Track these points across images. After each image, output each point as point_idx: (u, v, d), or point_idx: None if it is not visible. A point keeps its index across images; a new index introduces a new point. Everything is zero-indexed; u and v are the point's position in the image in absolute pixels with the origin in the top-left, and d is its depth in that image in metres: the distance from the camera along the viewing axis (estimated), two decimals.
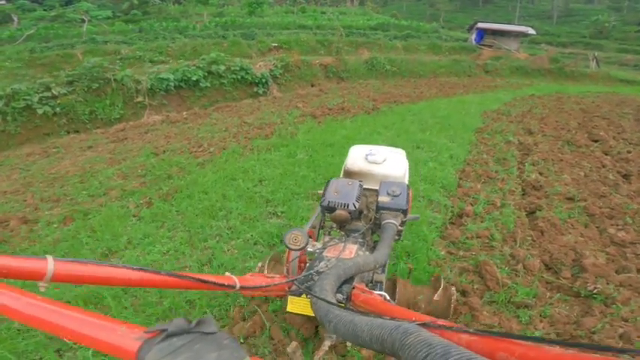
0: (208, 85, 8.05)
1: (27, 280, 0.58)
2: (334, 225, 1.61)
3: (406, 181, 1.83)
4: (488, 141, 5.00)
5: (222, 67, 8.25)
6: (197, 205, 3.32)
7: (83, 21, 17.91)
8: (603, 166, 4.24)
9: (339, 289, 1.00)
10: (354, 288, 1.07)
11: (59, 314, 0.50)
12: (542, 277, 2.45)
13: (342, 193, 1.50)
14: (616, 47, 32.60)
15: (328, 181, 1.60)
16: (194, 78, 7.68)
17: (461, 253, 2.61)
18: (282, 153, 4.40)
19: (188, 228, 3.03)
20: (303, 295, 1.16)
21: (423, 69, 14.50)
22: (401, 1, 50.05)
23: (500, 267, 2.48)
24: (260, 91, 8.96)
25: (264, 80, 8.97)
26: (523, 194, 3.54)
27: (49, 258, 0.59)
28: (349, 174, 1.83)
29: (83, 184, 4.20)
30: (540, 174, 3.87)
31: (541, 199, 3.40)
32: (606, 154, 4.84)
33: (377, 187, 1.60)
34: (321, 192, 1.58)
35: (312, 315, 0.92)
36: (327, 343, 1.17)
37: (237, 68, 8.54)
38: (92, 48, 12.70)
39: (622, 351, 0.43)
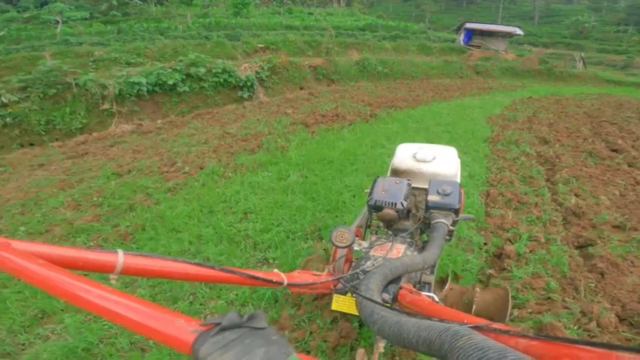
0: (187, 89, 7.23)
1: (100, 272, 0.63)
2: (381, 224, 1.55)
3: (458, 180, 1.72)
4: (505, 153, 4.43)
5: (203, 70, 7.44)
6: (164, 249, 2.58)
7: (58, 22, 16.77)
8: (637, 183, 3.74)
9: (385, 289, 0.97)
10: (401, 288, 1.03)
11: (125, 306, 0.51)
12: (619, 333, 1.89)
13: (389, 191, 1.46)
14: (596, 47, 33.35)
15: (375, 180, 1.56)
16: (170, 82, 6.85)
17: (515, 312, 1.99)
18: (271, 173, 3.69)
19: (152, 282, 2.31)
20: (349, 294, 1.14)
21: (414, 70, 14.05)
22: (387, 2, 50.03)
23: (568, 327, 1.88)
24: (245, 96, 8.20)
25: (249, 83, 8.21)
26: (565, 223, 2.97)
27: (120, 252, 0.64)
28: (397, 172, 1.76)
29: (24, 216, 3.37)
30: (577, 196, 3.31)
31: (588, 230, 2.83)
32: (631, 166, 4.37)
33: (426, 186, 1.54)
34: (368, 190, 1.54)
35: (357, 314, 0.84)
36: (381, 345, 1.08)
37: (220, 70, 7.75)
38: (63, 50, 11.70)
39: None
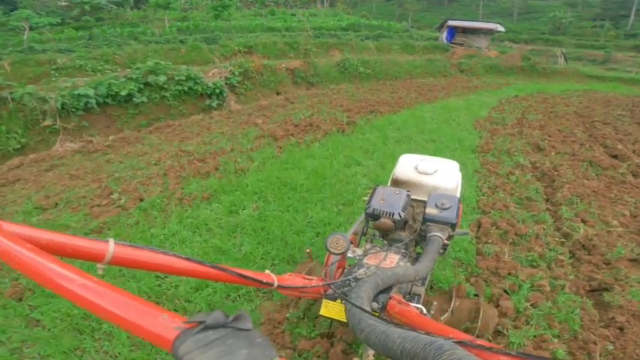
0: (145, 99, 6.51)
1: (89, 260, 0.62)
2: (377, 233, 1.57)
3: (458, 195, 1.70)
4: (496, 167, 3.90)
5: (163, 78, 6.73)
6: (59, 320, 1.94)
7: (25, 29, 15.82)
8: None
9: (375, 298, 0.97)
10: (390, 298, 1.04)
11: (108, 297, 0.49)
12: None
13: (388, 201, 1.46)
14: (574, 43, 33.74)
15: (375, 188, 1.56)
16: (123, 93, 6.12)
17: None
18: (222, 206, 3.05)
19: None
20: (339, 300, 1.13)
21: (398, 70, 13.59)
22: (371, 1, 49.84)
23: None
24: (214, 104, 7.52)
25: (217, 91, 7.53)
26: (573, 260, 2.43)
27: (111, 241, 0.64)
28: (397, 183, 1.76)
29: None
30: (584, 222, 2.79)
31: (602, 269, 2.30)
32: (636, 176, 3.91)
33: (425, 199, 1.55)
34: (367, 198, 1.54)
35: (345, 321, 0.89)
36: (370, 353, 1.10)
37: (183, 78, 7.05)
38: (23, 58, 10.75)
39: None
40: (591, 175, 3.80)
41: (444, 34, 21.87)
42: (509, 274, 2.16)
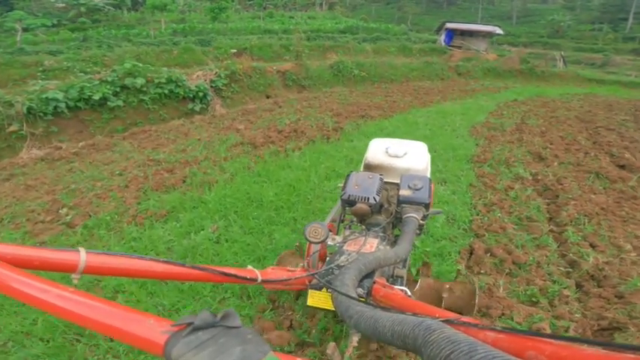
0: (121, 103, 6.14)
1: (60, 272, 0.60)
2: (354, 219, 1.57)
3: (428, 175, 1.75)
4: (493, 180, 3.52)
5: (141, 81, 6.36)
6: None
7: (19, 30, 15.61)
8: None
9: (359, 284, 0.97)
10: (374, 283, 1.05)
11: (88, 306, 0.49)
12: None
13: (362, 186, 1.47)
14: (573, 46, 33.54)
15: (349, 175, 1.57)
16: (96, 96, 5.75)
17: None
18: (179, 225, 2.66)
19: None
20: (324, 289, 1.15)
21: (394, 73, 13.27)
22: (370, 5, 49.77)
23: None
24: (197, 108, 7.15)
25: (200, 94, 7.17)
26: (580, 294, 2.05)
27: (82, 250, 0.61)
28: (369, 167, 1.78)
29: None
30: (593, 247, 2.41)
31: (613, 305, 1.92)
32: None
33: (398, 181, 1.57)
34: (341, 185, 1.55)
35: (333, 309, 0.88)
36: (355, 339, 1.07)
37: (164, 81, 6.69)
38: (9, 60, 10.43)
39: None
40: (598, 188, 3.42)
41: (443, 37, 21.62)
42: (503, 314, 1.77)
